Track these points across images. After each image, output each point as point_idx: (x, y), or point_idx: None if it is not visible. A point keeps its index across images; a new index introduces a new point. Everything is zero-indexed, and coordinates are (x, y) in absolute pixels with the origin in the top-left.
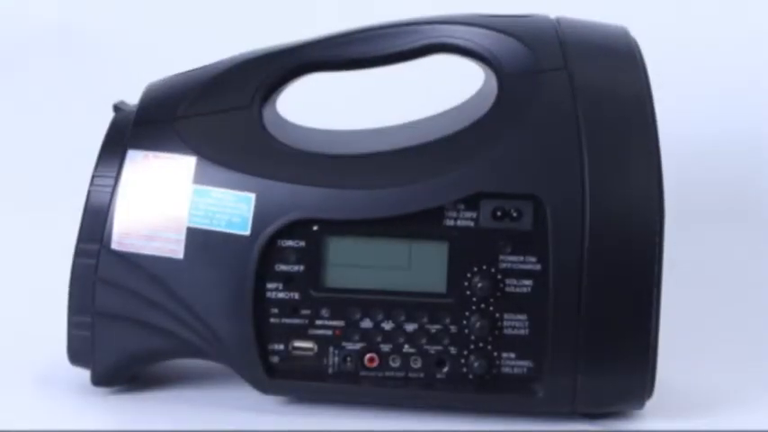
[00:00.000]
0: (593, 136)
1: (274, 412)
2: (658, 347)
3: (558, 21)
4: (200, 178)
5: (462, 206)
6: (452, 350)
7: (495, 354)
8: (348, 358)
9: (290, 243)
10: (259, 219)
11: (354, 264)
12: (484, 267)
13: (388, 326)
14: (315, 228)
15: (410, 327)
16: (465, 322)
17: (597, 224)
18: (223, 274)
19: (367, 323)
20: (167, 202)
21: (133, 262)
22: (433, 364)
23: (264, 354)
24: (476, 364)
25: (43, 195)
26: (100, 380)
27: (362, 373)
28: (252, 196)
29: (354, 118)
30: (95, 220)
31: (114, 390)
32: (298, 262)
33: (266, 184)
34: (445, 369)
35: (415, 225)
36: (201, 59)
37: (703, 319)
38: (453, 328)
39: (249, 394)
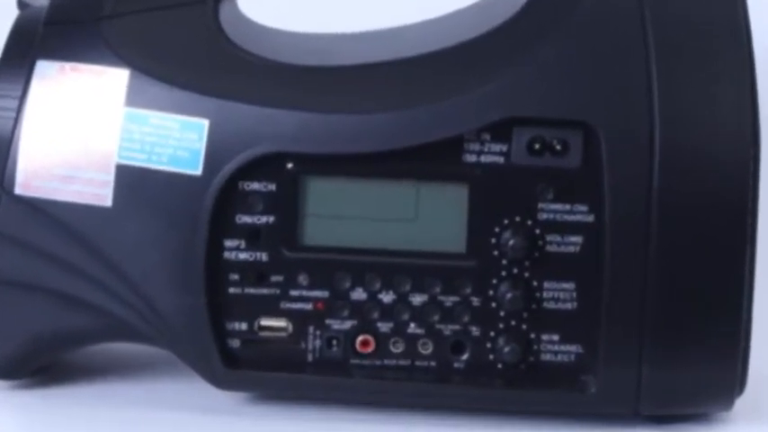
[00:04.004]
0: (663, 42)
1: (234, 413)
2: (752, 328)
3: None
4: (134, 98)
5: (488, 136)
6: (475, 330)
7: (533, 335)
8: (334, 342)
9: (255, 186)
10: (214, 153)
11: (342, 214)
12: (517, 219)
13: (387, 298)
14: (289, 165)
15: (418, 299)
16: (492, 293)
17: (669, 160)
18: (165, 228)
19: (359, 294)
20: (90, 130)
21: (44, 211)
22: (448, 349)
23: (221, 336)
24: (506, 350)
25: None
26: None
27: (353, 362)
28: (204, 123)
29: (342, 17)
30: None
31: (18, 384)
32: (266, 211)
33: (224, 106)
34: (465, 356)
35: (425, 161)
36: None
37: None
38: (476, 301)
39: (201, 390)
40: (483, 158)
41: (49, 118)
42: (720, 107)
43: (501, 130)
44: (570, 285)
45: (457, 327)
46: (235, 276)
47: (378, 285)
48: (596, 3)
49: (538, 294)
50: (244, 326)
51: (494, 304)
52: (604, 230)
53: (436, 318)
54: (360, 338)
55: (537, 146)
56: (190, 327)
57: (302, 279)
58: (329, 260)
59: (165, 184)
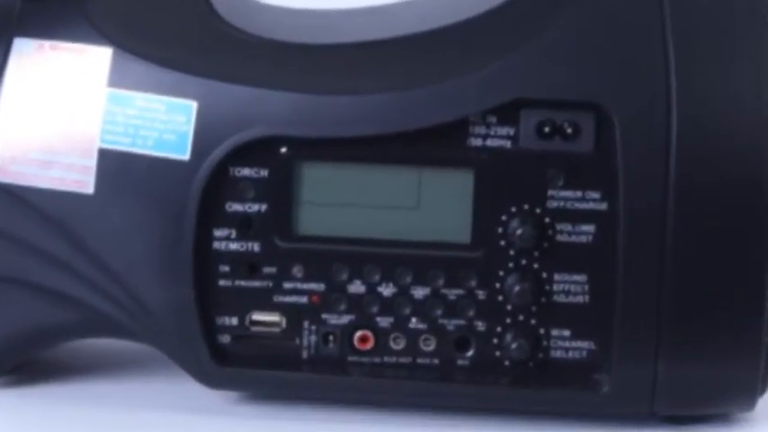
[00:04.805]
0: (680, 18)
1: (224, 413)
2: None
3: None
4: (118, 79)
5: (494, 119)
6: (480, 326)
7: (542, 331)
8: (331, 337)
9: (247, 172)
10: (203, 137)
11: (339, 202)
12: (525, 207)
13: (387, 291)
14: (282, 150)
15: (419, 292)
16: (498, 285)
17: (687, 144)
18: (151, 217)
19: (357, 287)
20: (71, 112)
21: (21, 198)
22: (452, 345)
23: (210, 331)
24: (513, 346)
25: None
26: None
27: (351, 359)
28: (192, 105)
29: None
30: None
31: None
32: (258, 199)
33: (213, 86)
34: (470, 353)
35: (427, 146)
36: None
37: None
38: (481, 294)
39: (189, 389)
40: (489, 142)
41: (27, 99)
42: (741, 87)
43: (508, 113)
44: (582, 277)
45: (461, 322)
46: (225, 268)
47: (377, 278)
48: None
49: (547, 287)
50: (234, 321)
51: (500, 298)
52: (618, 219)
53: (439, 312)
54: (358, 334)
55: (546, 129)
56: (177, 321)
57: (297, 271)
58: (325, 251)
59: (150, 170)
